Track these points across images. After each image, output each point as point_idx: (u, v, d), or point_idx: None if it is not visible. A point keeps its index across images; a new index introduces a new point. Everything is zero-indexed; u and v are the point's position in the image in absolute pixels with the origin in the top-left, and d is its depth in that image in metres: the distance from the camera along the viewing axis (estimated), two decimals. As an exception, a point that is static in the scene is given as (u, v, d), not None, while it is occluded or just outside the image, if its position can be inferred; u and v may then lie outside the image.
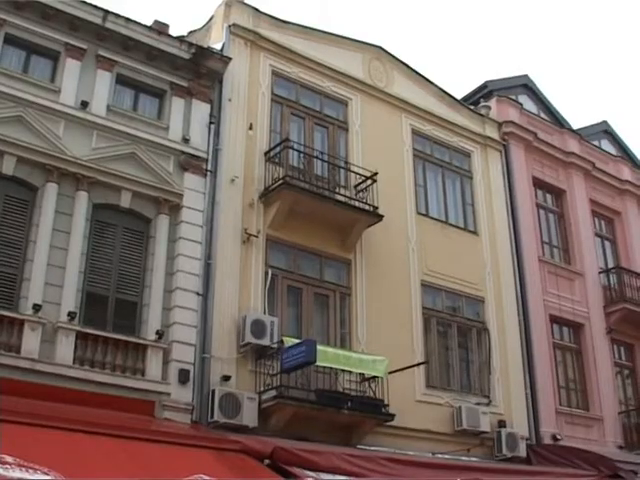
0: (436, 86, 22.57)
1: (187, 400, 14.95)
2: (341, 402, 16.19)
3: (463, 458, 18.04)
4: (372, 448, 16.49)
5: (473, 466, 17.53)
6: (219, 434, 14.41)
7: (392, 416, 16.82)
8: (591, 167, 26.60)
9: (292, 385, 15.92)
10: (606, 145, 29.48)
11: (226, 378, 15.42)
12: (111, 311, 15.04)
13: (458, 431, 18.68)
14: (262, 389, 15.68)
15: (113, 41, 16.44)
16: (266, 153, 17.84)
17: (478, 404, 19.28)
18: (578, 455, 20.06)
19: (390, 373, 16.76)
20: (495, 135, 23.73)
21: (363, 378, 17.01)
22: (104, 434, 12.35)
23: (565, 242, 25.02)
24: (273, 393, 15.52)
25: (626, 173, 28.23)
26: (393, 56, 21.82)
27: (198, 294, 15.73)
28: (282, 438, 14.91)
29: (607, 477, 19.52)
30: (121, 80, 16.59)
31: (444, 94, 22.71)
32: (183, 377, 14.98)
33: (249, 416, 15.15)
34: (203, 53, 17.30)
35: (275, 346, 15.80)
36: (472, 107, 23.96)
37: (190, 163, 16.58)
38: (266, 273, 16.87)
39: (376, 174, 18.51)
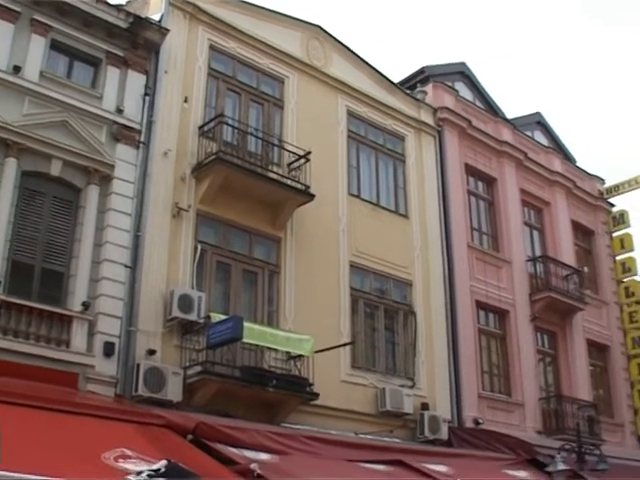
0: (373, 69, 22.75)
1: (111, 373, 14.94)
2: (266, 380, 16.32)
3: (386, 439, 18.32)
4: (296, 426, 16.66)
5: (395, 447, 17.82)
6: (142, 408, 14.44)
7: (316, 395, 16.99)
8: (523, 157, 27.10)
9: (217, 361, 15.99)
10: (539, 136, 30.05)
11: (151, 352, 15.43)
12: (37, 281, 14.92)
13: (382, 412, 18.98)
14: (187, 364, 15.73)
15: (48, 5, 16.14)
16: (200, 127, 17.84)
17: (402, 386, 19.61)
18: (498, 439, 20.55)
19: (316, 352, 16.87)
20: (430, 120, 24.01)
21: (289, 356, 17.14)
22: (26, 405, 12.33)
23: (494, 229, 25.49)
24: (198, 368, 15.59)
25: (557, 165, 28.85)
26: (332, 36, 21.92)
27: (126, 266, 15.68)
28: (206, 414, 14.98)
29: (525, 461, 20.07)
30: (56, 46, 16.34)
31: (381, 77, 22.90)
32: (108, 350, 14.94)
33: (173, 391, 15.20)
34: (141, 23, 17.18)
35: (202, 321, 15.86)
36: (408, 91, 24.20)
37: (123, 134, 16.48)
38: (195, 248, 16.88)
39: (309, 153, 18.62)
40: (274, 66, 20.17)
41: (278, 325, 17.64)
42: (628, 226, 30.78)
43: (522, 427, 22.76)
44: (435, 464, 17.00)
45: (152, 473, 2.52)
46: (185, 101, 17.80)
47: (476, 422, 21.20)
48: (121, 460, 11.39)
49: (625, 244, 30.50)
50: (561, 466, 19.17)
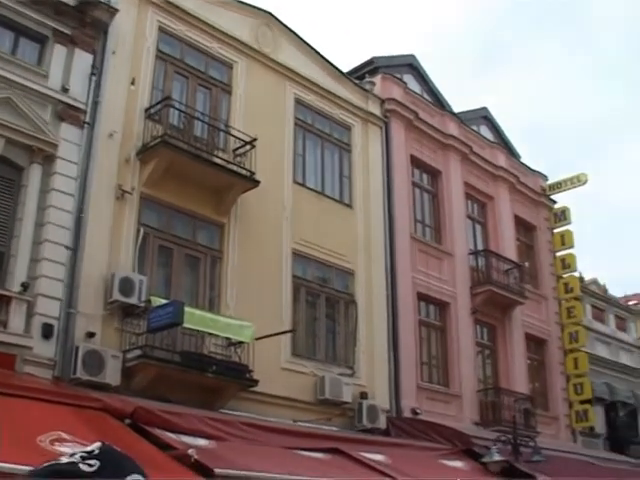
0: (323, 57, 22.79)
1: (49, 355, 14.83)
2: (206, 365, 16.36)
3: (324, 427, 18.46)
4: (235, 413, 16.71)
5: (333, 435, 17.98)
6: (80, 391, 14.39)
7: (256, 382, 17.06)
8: (468, 151, 27.36)
9: (157, 345, 16.00)
10: (484, 131, 30.36)
11: (91, 335, 15.35)
12: (-25, 260, 14.75)
13: (320, 400, 19.10)
14: (127, 348, 15.69)
15: (-6, -20, 15.92)
16: (147, 110, 17.75)
17: (342, 375, 19.74)
18: (435, 429, 20.76)
19: (257, 339, 16.96)
20: (377, 111, 24.13)
21: (229, 343, 17.19)
22: (-39, 387, 12.21)
23: (437, 222, 25.72)
24: (138, 352, 15.57)
25: (501, 160, 29.17)
26: (282, 23, 21.91)
27: (67, 248, 15.55)
28: (145, 399, 14.96)
29: (461, 451, 20.32)
30: (1, 21, 16.10)
31: (330, 66, 22.96)
32: (46, 332, 14.82)
33: (112, 374, 15.14)
34: (89, 1, 16.97)
35: (142, 305, 15.81)
36: (357, 81, 24.26)
37: (68, 113, 16.32)
38: (138, 231, 16.81)
39: (255, 140, 18.61)
40: (223, 51, 20.10)
41: (219, 311, 17.64)
42: (569, 223, 31.32)
43: (459, 418, 23.06)
44: (372, 453, 17.16)
45: (85, 455, 2.48)
46: (132, 83, 17.67)
47: (414, 412, 21.42)
48: (57, 443, 11.34)
49: (565, 240, 31.03)
50: (496, 457, 19.49)
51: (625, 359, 36.04)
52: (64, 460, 1.90)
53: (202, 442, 14.17)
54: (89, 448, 1.94)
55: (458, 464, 19.50)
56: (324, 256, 20.73)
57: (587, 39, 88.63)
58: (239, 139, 18.78)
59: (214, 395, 16.78)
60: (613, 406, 32.70)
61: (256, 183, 18.44)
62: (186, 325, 15.52)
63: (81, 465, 1.88)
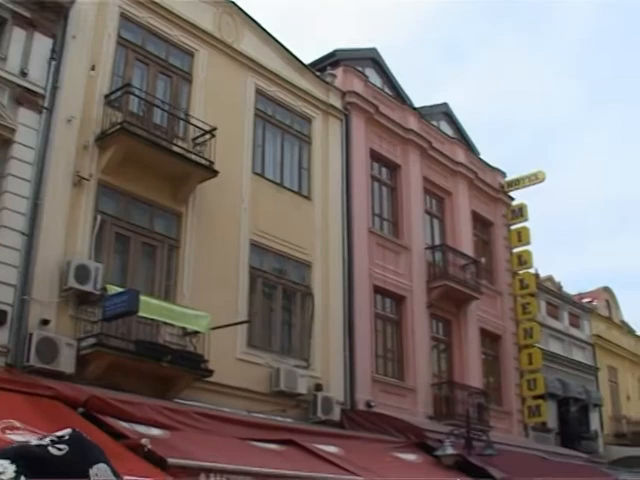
0: (285, 48, 22.77)
1: (2, 342, 14.69)
2: (161, 354, 16.30)
3: (278, 418, 18.51)
4: (189, 403, 16.69)
5: (287, 427, 18.05)
6: (33, 379, 14.28)
7: (211, 372, 17.06)
8: (428, 146, 27.50)
9: (112, 334, 15.91)
10: (444, 126, 30.56)
11: (45, 322, 15.22)
12: None
13: (275, 392, 19.12)
14: (82, 336, 15.59)
15: (-49, -40, 15.71)
16: (106, 96, 17.60)
17: (297, 367, 19.79)
18: (389, 422, 20.90)
19: (212, 329, 16.94)
20: (338, 104, 24.16)
21: (185, 332, 17.14)
22: None
23: (395, 216, 25.84)
24: (92, 340, 15.47)
25: (460, 155, 29.36)
26: (245, 13, 21.86)
27: (22, 234, 15.42)
28: (99, 387, 14.88)
29: (415, 444, 20.49)
30: (-43, 3, 15.93)
31: (292, 57, 22.94)
32: (0, 318, 14.68)
33: (66, 362, 15.04)
34: (50, -16, 16.81)
35: (98, 293, 15.71)
36: (318, 74, 24.26)
37: (26, 98, 16.14)
38: (95, 218, 16.68)
39: (215, 129, 18.56)
40: (184, 39, 20.00)
41: (175, 300, 17.58)
42: (526, 220, 31.63)
43: (413, 411, 23.23)
44: (326, 445, 17.27)
45: (55, 439, 2.48)
46: (92, 68, 17.52)
47: (368, 405, 21.53)
48: (8, 431, 11.26)
49: (522, 237, 31.34)
50: (449, 450, 19.70)
51: (578, 355, 36.53)
52: (34, 442, 1.91)
53: (156, 432, 14.14)
54: (59, 433, 1.96)
55: (411, 457, 19.67)
56: (281, 247, 20.74)
57: (548, 39, 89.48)
58: (199, 128, 18.71)
59: (169, 385, 16.75)
60: (565, 402, 33.10)
61: (215, 173, 18.39)
62: (141, 314, 15.47)
63: (50, 448, 1.90)
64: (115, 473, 1.89)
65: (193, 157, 18.26)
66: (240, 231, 19.81)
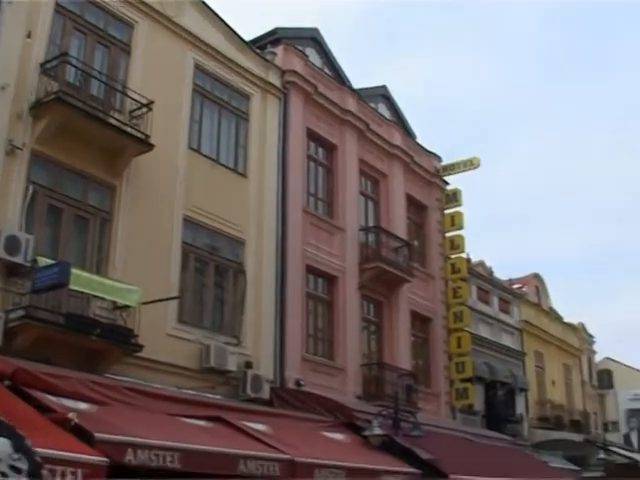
0: (226, 24, 22.63)
1: None
2: (90, 328, 16.15)
3: (207, 395, 18.51)
4: (119, 377, 16.59)
5: (216, 403, 18.05)
6: (-43, 351, 14.06)
7: (141, 347, 16.97)
8: (365, 128, 27.63)
9: (42, 306, 15.71)
10: (383, 109, 30.75)
11: (-29, 293, 15.01)
12: None
13: (205, 368, 19.12)
14: (10, 308, 15.39)
15: None
16: (42, 65, 17.26)
17: (227, 344, 19.81)
18: (318, 401, 21.03)
19: (143, 304, 16.83)
20: (277, 82, 24.13)
21: (115, 306, 17.02)
22: None
23: (330, 196, 25.95)
24: (20, 313, 15.26)
25: (397, 138, 29.57)
26: (187, -13, 21.64)
27: (-49, 204, 15.15)
28: (27, 360, 14.70)
29: (343, 424, 20.67)
30: None
31: (232, 33, 22.81)
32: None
33: (-7, 335, 14.85)
34: (-18, -52, 16.46)
35: (28, 265, 15.50)
36: (258, 51, 24.16)
37: (-42, 63, 15.82)
38: (27, 189, 16.41)
39: (152, 103, 18.42)
40: (124, 10, 19.71)
41: (107, 274, 17.44)
42: (460, 205, 32.03)
43: (342, 391, 23.43)
44: (255, 422, 17.31)
45: None
46: (28, 36, 17.17)
47: (298, 384, 21.65)
48: None
49: (455, 222, 31.73)
50: (377, 431, 19.94)
51: (506, 340, 37.19)
52: None
53: (83, 406, 14.01)
54: None
55: (339, 436, 19.87)
56: (215, 224, 20.70)
57: (491, 29, 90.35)
58: (136, 101, 18.53)
59: (98, 359, 16.62)
60: (492, 385, 33.68)
61: (150, 146, 18.25)
62: (72, 287, 15.31)
63: None
64: (21, 447, 1.90)
65: (129, 130, 18.06)
66: (174, 206, 19.70)
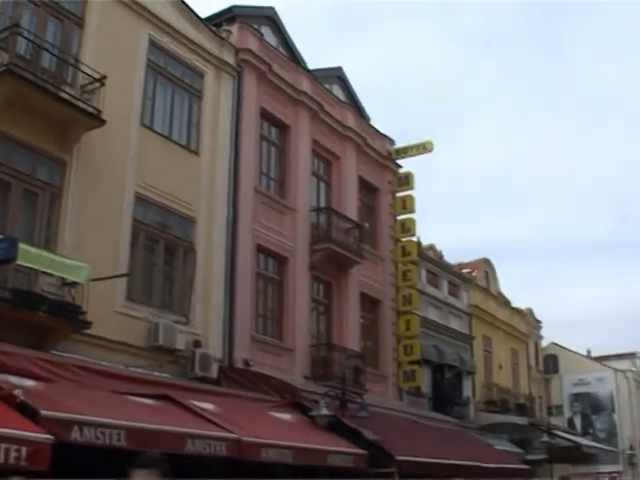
0: (181, 0, 22.42)
1: None
2: (38, 304, 16.05)
3: (155, 373, 18.48)
4: (66, 355, 16.50)
5: (164, 382, 18.04)
6: None
7: (89, 324, 16.89)
8: (319, 109, 27.65)
9: (-12, 282, 15.56)
10: (337, 91, 30.74)
11: None
12: None
13: (154, 346, 19.09)
14: (-44, 280, 15.23)
15: None
16: (-8, 36, 17.04)
17: (176, 322, 19.79)
18: (266, 381, 21.15)
19: (92, 281, 16.70)
20: (231, 60, 24.03)
21: (63, 283, 16.86)
22: None
23: (282, 176, 25.98)
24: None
25: (350, 120, 29.64)
26: (141, -39, 21.41)
27: None
28: (-28, 337, 14.59)
29: (291, 404, 20.81)
30: None
31: (188, 10, 22.64)
32: None
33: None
34: None
35: (-25, 238, 15.32)
36: (214, 29, 24.01)
37: None
38: (-26, 162, 16.23)
39: (105, 77, 18.22)
40: (77, -18, 19.47)
41: (55, 250, 17.28)
42: (412, 188, 32.23)
43: (291, 371, 23.56)
44: (202, 402, 17.35)
45: None
46: (-23, 6, 16.94)
47: (246, 363, 21.72)
48: None
49: (407, 205, 31.94)
50: (324, 411, 20.09)
51: (454, 324, 37.58)
52: None
53: (29, 383, 13.93)
54: None
55: (286, 416, 19.98)
56: (166, 202, 20.61)
57: (445, 13, 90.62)
58: (88, 75, 18.31)
59: (45, 335, 16.50)
60: (440, 368, 34.06)
61: (102, 122, 18.09)
62: (20, 262, 15.14)
63: None
64: None
65: (80, 105, 17.86)
66: (125, 183, 19.58)
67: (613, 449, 54.13)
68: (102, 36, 19.66)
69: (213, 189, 22.32)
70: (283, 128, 26.47)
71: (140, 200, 19.97)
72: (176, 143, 21.67)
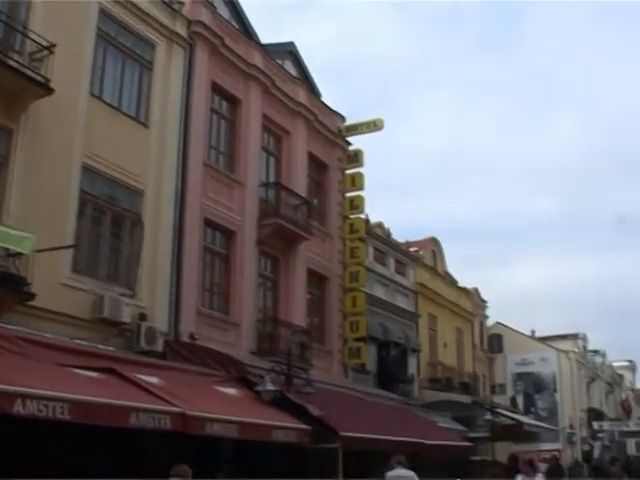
0: (132, -30, 22.21)
1: None
2: (-19, 275, 15.91)
3: (100, 346, 18.39)
4: (10, 327, 16.27)
5: (109, 355, 17.97)
6: None
7: (33, 296, 16.76)
8: (270, 84, 27.61)
9: None
10: (289, 66, 30.68)
11: None
12: None
13: (99, 319, 18.98)
14: None
15: None
16: (-64, 1, 16.73)
17: (122, 295, 19.72)
18: (212, 355, 21.15)
19: (37, 252, 16.53)
20: (183, 32, 23.86)
21: (7, 253, 16.68)
22: None
23: (232, 151, 25.94)
24: None
25: (302, 96, 29.65)
26: None
27: None
28: None
29: (236, 379, 20.89)
30: None
31: (140, -20, 22.39)
32: None
33: None
34: None
35: None
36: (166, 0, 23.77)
37: None
38: None
39: (54, 46, 18.03)
40: (26, -52, 19.15)
41: (0, 220, 17.10)
42: (361, 165, 32.35)
43: (237, 346, 23.63)
44: (147, 375, 17.32)
45: None
46: None
47: (192, 337, 21.73)
48: None
49: (356, 182, 32.06)
50: (269, 386, 20.18)
51: (401, 302, 37.88)
52: None
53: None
54: None
55: (232, 391, 20.07)
56: (114, 173, 20.44)
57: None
58: (37, 43, 18.09)
59: (-12, 302, 16.36)
60: (385, 345, 34.31)
61: (50, 91, 17.89)
62: (-37, 232, 15.02)
63: None
64: None
65: (29, 73, 17.64)
66: (73, 153, 19.38)
67: (554, 427, 55.12)
68: (51, 4, 19.32)
69: (162, 162, 22.20)
70: (234, 102, 26.39)
71: (88, 171, 19.78)
72: (125, 114, 21.49)
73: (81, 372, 15.81)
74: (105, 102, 20.90)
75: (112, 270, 20.37)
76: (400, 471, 17.42)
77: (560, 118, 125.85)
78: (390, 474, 17.39)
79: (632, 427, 66.94)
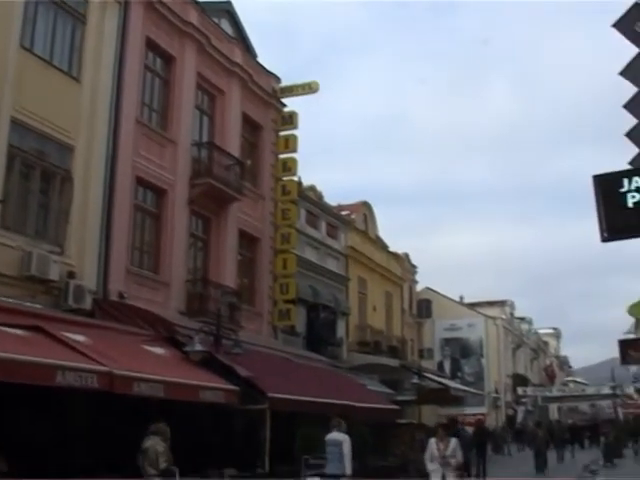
0: None
1: None
2: None
3: (27, 304, 18.20)
4: None
5: (36, 313, 17.79)
6: None
7: (-42, 251, 16.55)
8: (206, 42, 27.43)
9: None
10: (225, 25, 30.45)
11: None
12: None
13: (26, 276, 18.76)
14: None
15: None
16: None
17: (50, 252, 19.49)
18: (140, 315, 21.15)
19: (-37, 207, 16.37)
20: (117, -14, 23.46)
21: None
22: None
23: (165, 109, 25.77)
24: None
25: (237, 55, 29.55)
26: None
27: None
28: None
29: (165, 338, 20.92)
30: None
31: None
32: None
33: None
34: None
35: None
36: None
37: None
38: None
39: (-16, -4, 17.68)
40: None
41: None
42: (295, 127, 32.41)
43: (166, 306, 23.63)
44: (75, 334, 17.23)
45: None
46: None
47: (121, 296, 21.67)
48: None
49: (289, 144, 32.12)
50: (198, 347, 20.24)
51: (331, 265, 38.15)
52: None
53: None
54: None
55: (160, 351, 20.11)
56: (44, 128, 20.09)
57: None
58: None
59: None
60: (315, 308, 34.58)
61: (-22, 41, 17.57)
62: None
63: None
64: None
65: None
66: (1, 107, 18.99)
67: (479, 392, 56.32)
68: (-19, -48, 18.96)
69: (93, 118, 21.90)
70: (168, 59, 26.15)
71: (17, 125, 19.40)
72: (57, 68, 21.07)
73: (7, 330, 15.61)
74: (36, 55, 20.47)
75: (40, 227, 20.10)
76: (334, 434, 18.41)
77: (494, 86, 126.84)
78: (327, 437, 18.49)
79: (555, 393, 68.72)
